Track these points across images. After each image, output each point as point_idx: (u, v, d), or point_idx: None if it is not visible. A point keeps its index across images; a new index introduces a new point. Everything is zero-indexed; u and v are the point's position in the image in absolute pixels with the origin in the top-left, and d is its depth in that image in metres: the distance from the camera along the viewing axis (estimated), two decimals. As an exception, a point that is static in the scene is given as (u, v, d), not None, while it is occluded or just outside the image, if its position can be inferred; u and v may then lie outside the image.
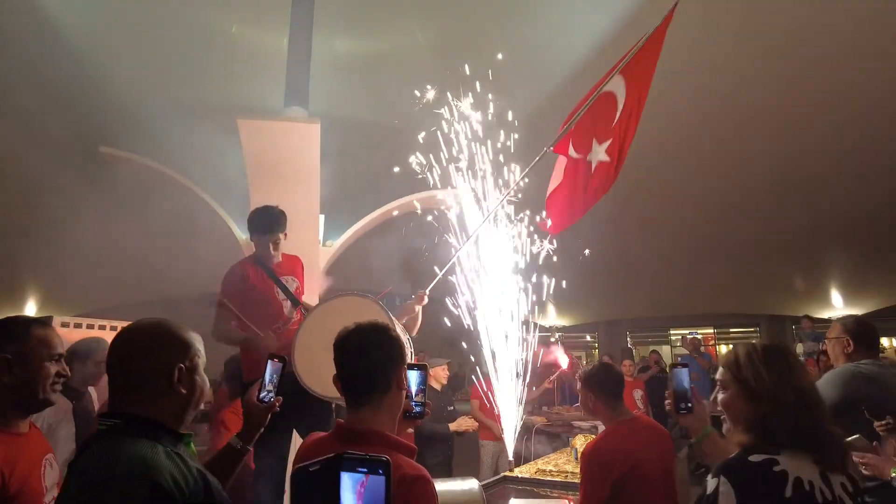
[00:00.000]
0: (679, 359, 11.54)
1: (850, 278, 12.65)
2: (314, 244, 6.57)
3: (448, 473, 4.71)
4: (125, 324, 4.90)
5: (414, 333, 3.19)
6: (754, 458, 1.28)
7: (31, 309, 11.52)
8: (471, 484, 2.70)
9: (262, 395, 1.70)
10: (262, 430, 1.71)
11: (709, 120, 8.93)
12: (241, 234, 7.58)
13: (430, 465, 4.50)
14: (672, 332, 17.66)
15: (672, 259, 12.65)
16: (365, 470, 0.73)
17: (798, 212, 10.76)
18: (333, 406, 2.94)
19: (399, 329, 2.62)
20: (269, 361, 1.74)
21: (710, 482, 1.28)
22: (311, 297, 3.44)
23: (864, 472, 2.11)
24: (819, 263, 12.26)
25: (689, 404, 1.77)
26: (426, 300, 3.35)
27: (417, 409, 1.77)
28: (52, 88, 8.47)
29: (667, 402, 1.81)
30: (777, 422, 1.33)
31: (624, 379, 2.75)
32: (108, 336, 4.97)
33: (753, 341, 1.49)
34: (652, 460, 2.24)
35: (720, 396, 1.52)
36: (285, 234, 2.88)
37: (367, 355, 1.53)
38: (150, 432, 1.27)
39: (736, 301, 14.41)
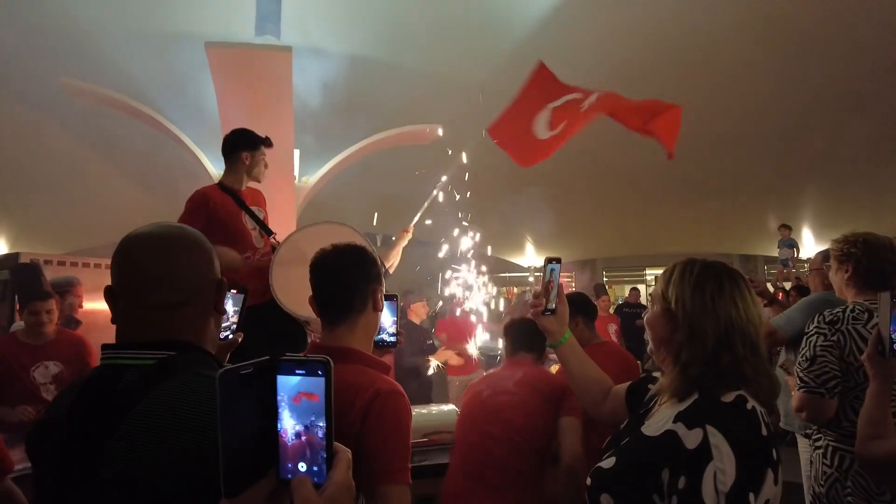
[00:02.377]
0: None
1: (821, 217, 12.91)
2: (289, 180, 6.44)
3: (426, 403, 4.86)
4: (95, 261, 4.78)
5: (391, 271, 3.17)
6: (726, 397, 1.12)
7: (1, 247, 11.28)
8: (449, 408, 2.78)
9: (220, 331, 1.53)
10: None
11: (684, 57, 8.79)
12: (214, 168, 7.40)
13: (410, 396, 4.64)
14: (647, 270, 18.03)
15: (647, 198, 12.75)
16: (304, 372, 0.66)
17: (772, 151, 10.83)
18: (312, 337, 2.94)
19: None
20: (228, 294, 1.46)
21: (690, 434, 1.07)
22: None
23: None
24: (791, 203, 12.47)
25: (553, 306, 1.55)
26: (411, 234, 3.33)
27: (391, 339, 1.75)
28: (11, 18, 7.96)
29: (534, 300, 1.59)
30: (691, 352, 1.18)
31: (596, 306, 2.84)
32: (80, 273, 4.95)
33: (698, 258, 1.29)
34: (620, 382, 2.33)
35: (648, 311, 1.37)
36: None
37: (344, 274, 1.51)
38: (211, 366, 1.00)
39: (710, 240, 14.65)
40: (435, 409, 2.82)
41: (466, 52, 8.00)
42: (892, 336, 1.52)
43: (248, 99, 5.93)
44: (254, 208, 2.80)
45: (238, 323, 1.52)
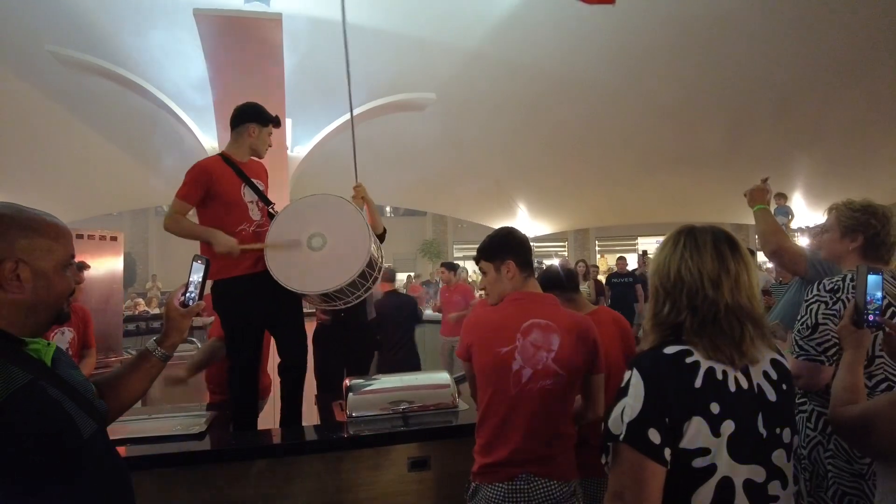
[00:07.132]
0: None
1: (813, 185, 12.95)
2: (281, 150, 6.38)
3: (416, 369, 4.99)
4: (89, 232, 4.73)
5: (380, 230, 3.12)
6: (669, 349, 1.22)
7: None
8: (443, 376, 2.82)
9: (186, 296, 1.54)
10: (184, 336, 1.56)
11: (680, 26, 8.67)
12: (204, 137, 7.33)
13: (399, 363, 4.80)
14: (640, 239, 18.17)
15: (638, 168, 12.74)
16: None
17: (765, 120, 10.80)
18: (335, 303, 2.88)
19: (370, 232, 2.62)
20: (193, 262, 1.58)
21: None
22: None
23: None
24: (784, 172, 12.48)
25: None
26: (361, 188, 3.19)
27: None
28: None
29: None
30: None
31: (577, 275, 2.82)
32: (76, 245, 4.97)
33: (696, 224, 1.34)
34: (616, 348, 2.36)
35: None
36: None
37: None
38: None
39: (702, 209, 14.71)
40: (431, 377, 2.87)
41: (458, 18, 7.88)
42: (867, 307, 1.57)
43: (238, 67, 5.84)
44: (255, 181, 2.77)
45: (200, 291, 1.55)
